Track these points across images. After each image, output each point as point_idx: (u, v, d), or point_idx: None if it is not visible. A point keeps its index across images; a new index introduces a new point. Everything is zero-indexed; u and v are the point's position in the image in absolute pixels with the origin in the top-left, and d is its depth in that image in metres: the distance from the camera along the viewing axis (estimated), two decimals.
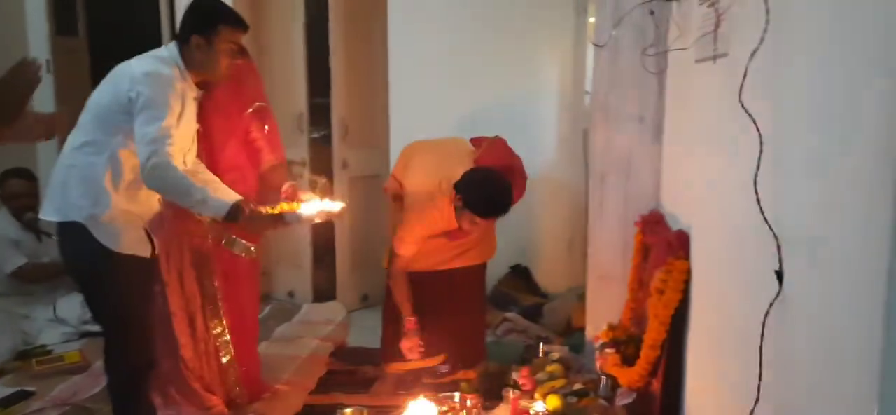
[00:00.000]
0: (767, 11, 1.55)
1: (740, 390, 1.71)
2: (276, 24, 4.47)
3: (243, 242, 2.83)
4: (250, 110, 2.90)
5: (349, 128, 4.41)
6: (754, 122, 1.59)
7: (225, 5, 2.60)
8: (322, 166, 4.48)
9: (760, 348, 1.58)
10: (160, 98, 2.33)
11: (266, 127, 2.98)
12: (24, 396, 3.17)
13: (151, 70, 2.37)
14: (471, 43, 4.19)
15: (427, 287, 3.16)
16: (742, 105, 1.62)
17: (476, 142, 3.22)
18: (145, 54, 2.51)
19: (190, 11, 2.55)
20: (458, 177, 2.93)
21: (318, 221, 2.64)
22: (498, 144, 3.16)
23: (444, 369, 3.26)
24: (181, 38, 2.50)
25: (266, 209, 2.49)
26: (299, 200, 2.62)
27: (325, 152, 4.46)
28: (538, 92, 4.30)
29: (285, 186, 2.78)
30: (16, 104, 1.66)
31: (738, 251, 1.86)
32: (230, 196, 2.44)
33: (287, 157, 4.34)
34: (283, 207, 2.54)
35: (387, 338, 3.27)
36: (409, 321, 3.13)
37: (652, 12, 2.62)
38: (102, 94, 2.43)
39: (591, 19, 3.71)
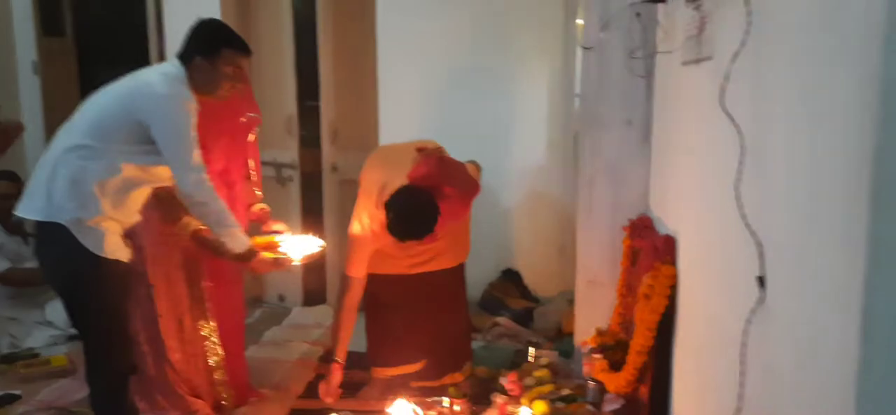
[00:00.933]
0: (749, 14, 1.53)
1: (724, 395, 1.69)
2: (265, 28, 4.45)
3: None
4: (238, 122, 2.91)
5: (338, 131, 4.39)
6: (736, 125, 1.58)
7: (229, 29, 2.64)
8: (312, 169, 4.47)
9: (742, 354, 1.56)
10: (188, 122, 2.41)
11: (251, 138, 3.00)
12: (9, 399, 3.17)
13: (174, 93, 2.41)
14: (460, 46, 4.18)
15: (404, 290, 3.13)
16: (724, 109, 1.61)
17: (419, 150, 3.02)
18: (160, 71, 2.53)
19: (194, 32, 2.57)
20: (393, 191, 2.83)
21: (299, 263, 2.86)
22: (426, 163, 2.89)
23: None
24: (184, 58, 2.51)
25: (267, 255, 2.73)
26: (270, 226, 2.96)
27: (315, 155, 4.44)
28: (528, 95, 4.28)
29: (256, 208, 3.00)
30: None
31: (721, 256, 1.85)
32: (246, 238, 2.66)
33: (278, 159, 4.39)
34: (274, 248, 2.82)
35: (372, 342, 3.24)
36: (336, 364, 3.07)
37: (638, 14, 2.60)
38: (112, 106, 2.42)
39: (580, 22, 3.69)
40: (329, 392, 3.08)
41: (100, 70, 4.17)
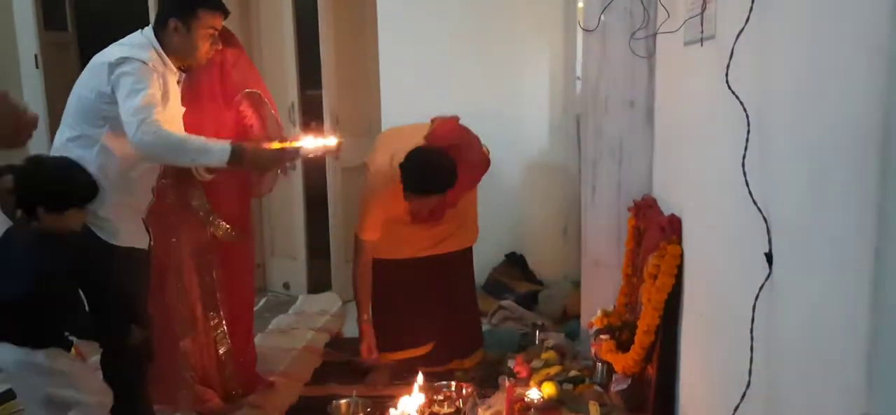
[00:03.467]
0: None
1: (732, 372, 1.71)
2: (266, 17, 4.45)
3: (225, 224, 2.87)
4: (240, 96, 2.86)
5: (340, 119, 4.39)
6: (741, 103, 1.58)
7: None
8: (314, 157, 4.46)
9: (751, 330, 1.57)
10: (139, 77, 2.31)
11: (267, 112, 2.93)
12: (12, 395, 3.15)
13: (127, 54, 2.34)
14: (461, 31, 4.17)
15: (413, 274, 3.16)
16: (729, 87, 1.61)
17: (434, 121, 3.15)
18: (119, 41, 2.47)
19: None
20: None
21: (314, 155, 2.66)
22: (448, 122, 3.07)
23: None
24: (159, 22, 2.47)
25: (267, 146, 2.51)
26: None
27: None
28: (529, 78, 4.28)
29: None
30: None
31: (728, 234, 1.86)
32: (226, 143, 2.39)
33: None
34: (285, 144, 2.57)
35: (379, 327, 3.25)
36: (365, 324, 3.12)
37: None
38: (83, 87, 2.41)
39: (580, 4, 3.68)
40: (371, 350, 3.14)
41: None
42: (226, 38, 2.68)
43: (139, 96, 2.27)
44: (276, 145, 2.53)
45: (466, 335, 3.33)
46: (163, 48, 2.44)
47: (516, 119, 4.33)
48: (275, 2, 4.35)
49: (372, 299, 3.20)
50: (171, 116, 2.42)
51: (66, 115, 2.43)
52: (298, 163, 4.40)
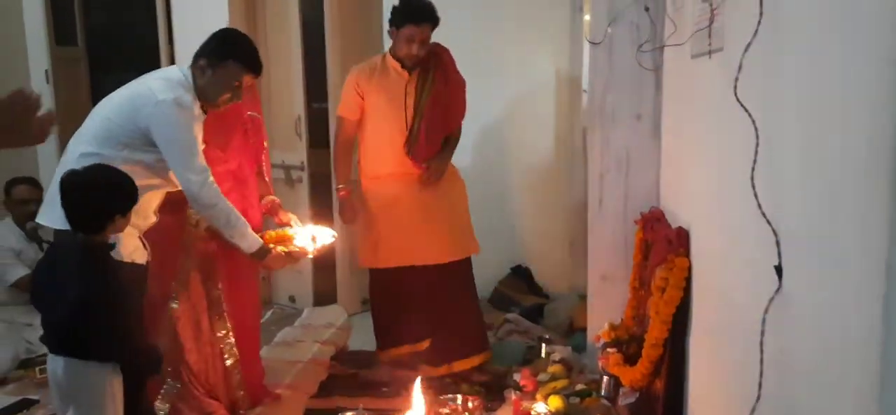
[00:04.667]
0: (761, 4, 1.54)
1: (742, 386, 1.70)
2: (273, 31, 4.47)
3: None
4: (246, 115, 2.91)
5: None
6: (750, 116, 1.58)
7: (246, 43, 2.63)
8: (321, 170, 4.48)
9: (761, 343, 1.57)
10: (188, 126, 2.43)
11: (257, 135, 3.01)
12: (26, 404, 3.19)
13: (175, 97, 2.41)
14: (467, 43, 4.16)
15: (411, 280, 3.25)
16: (737, 99, 1.61)
17: None
18: (161, 75, 2.53)
19: (211, 35, 2.58)
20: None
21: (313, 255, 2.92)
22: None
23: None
24: (194, 59, 2.54)
25: (281, 250, 2.77)
26: (281, 218, 2.95)
27: (323, 156, 4.45)
28: (535, 91, 4.29)
29: (265, 201, 2.94)
30: (21, 123, 1.68)
31: (737, 247, 1.85)
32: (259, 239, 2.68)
33: (286, 161, 4.40)
34: (287, 239, 2.84)
35: (378, 328, 3.38)
36: (342, 190, 3.32)
37: (647, 8, 2.61)
38: (116, 113, 2.44)
39: (587, 17, 3.70)
40: (350, 214, 3.34)
41: (110, 78, 4.20)
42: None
43: (195, 152, 2.44)
44: (282, 250, 2.79)
45: (467, 337, 3.35)
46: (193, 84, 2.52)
47: (522, 131, 4.34)
48: (282, 16, 4.38)
49: (372, 304, 3.42)
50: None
51: (85, 132, 2.46)
52: (305, 176, 4.45)
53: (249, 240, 2.62)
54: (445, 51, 3.29)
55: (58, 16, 5.00)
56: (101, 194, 2.08)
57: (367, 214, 3.34)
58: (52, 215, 2.40)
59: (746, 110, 1.59)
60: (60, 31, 5.03)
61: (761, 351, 1.58)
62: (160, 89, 2.42)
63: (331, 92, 4.30)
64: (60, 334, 2.10)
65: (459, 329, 3.32)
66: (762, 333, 1.56)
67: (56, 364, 2.12)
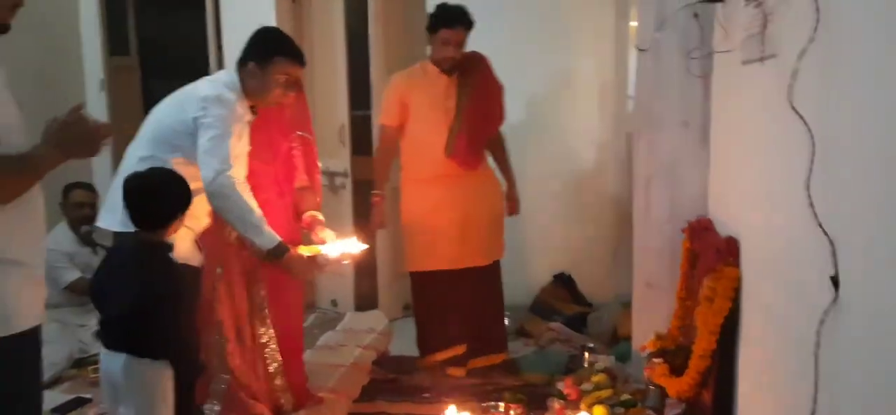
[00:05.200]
0: (817, 9, 1.51)
1: (795, 399, 1.66)
2: (318, 39, 4.53)
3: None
4: (293, 135, 2.96)
5: None
6: (805, 123, 1.55)
7: (286, 38, 2.70)
8: (364, 177, 4.52)
9: (816, 356, 1.53)
10: (224, 121, 2.45)
11: (308, 155, 3.05)
12: (80, 403, 3.27)
13: (217, 94, 2.47)
14: (511, 49, 4.18)
15: (446, 285, 3.39)
16: (792, 106, 1.58)
17: None
18: (209, 78, 2.60)
19: (252, 38, 2.64)
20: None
21: (344, 262, 2.89)
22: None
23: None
24: (240, 62, 2.59)
25: (302, 250, 2.71)
26: (318, 233, 2.88)
27: (367, 163, 4.48)
28: (580, 97, 4.27)
29: (306, 215, 2.92)
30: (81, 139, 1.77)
31: (790, 257, 1.81)
32: (276, 237, 2.58)
33: (330, 168, 4.45)
34: (314, 249, 2.77)
35: (420, 331, 3.56)
36: (377, 196, 3.45)
37: (696, 15, 2.58)
38: (166, 115, 2.51)
39: (633, 23, 3.67)
40: (379, 220, 3.49)
41: (162, 85, 4.30)
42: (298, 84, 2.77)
43: (223, 143, 2.43)
44: (304, 250, 2.74)
45: (490, 337, 3.52)
46: (242, 88, 2.56)
47: (566, 137, 4.31)
48: (327, 24, 4.44)
49: (415, 309, 3.59)
50: (239, 156, 2.54)
51: (141, 136, 2.53)
52: (348, 183, 4.50)
53: (266, 236, 2.55)
54: (483, 58, 3.39)
55: (112, 27, 5.18)
56: (163, 194, 2.16)
57: (410, 218, 3.41)
58: (112, 219, 2.47)
59: (801, 117, 1.56)
60: (115, 42, 5.22)
61: (816, 365, 1.54)
62: (205, 88, 2.51)
63: (374, 100, 4.35)
64: (121, 331, 2.16)
65: (485, 329, 3.49)
66: (817, 345, 1.53)
67: (111, 362, 2.18)
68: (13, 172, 1.68)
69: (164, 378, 2.19)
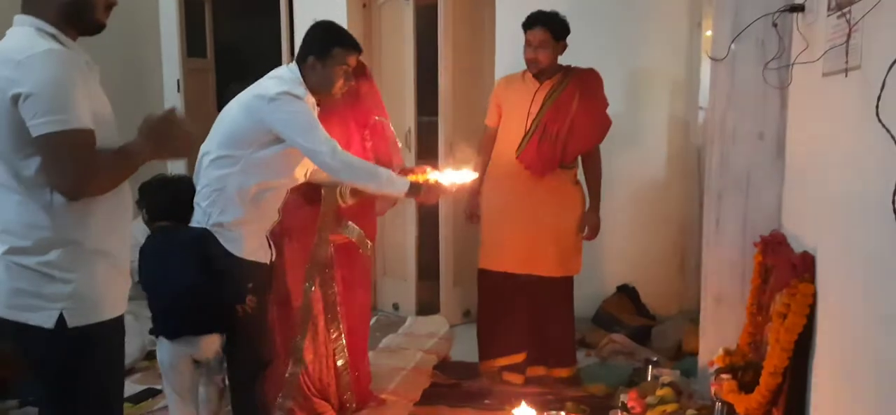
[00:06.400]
0: None
1: None
2: (388, 45, 4.60)
3: (358, 229, 3.03)
4: (371, 122, 3.01)
5: (454, 145, 4.46)
6: (893, 137, 1.50)
7: (340, 28, 2.75)
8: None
9: None
10: (305, 112, 2.54)
11: (381, 140, 3.09)
12: (152, 393, 3.39)
13: (287, 90, 2.54)
14: (581, 57, 4.16)
15: (512, 286, 3.41)
16: (880, 119, 1.53)
17: None
18: (273, 76, 2.67)
19: (308, 34, 2.70)
20: None
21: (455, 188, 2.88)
22: None
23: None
24: (299, 59, 2.65)
25: (432, 180, 2.79)
26: (417, 172, 2.89)
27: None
28: (649, 107, 4.21)
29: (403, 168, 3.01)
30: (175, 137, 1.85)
31: (872, 275, 1.75)
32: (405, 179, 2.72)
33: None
34: (426, 177, 2.82)
35: (481, 335, 3.56)
36: (476, 182, 3.34)
37: (775, 24, 2.52)
38: (237, 115, 2.59)
39: (708, 33, 3.60)
40: (472, 215, 3.55)
41: (235, 87, 4.42)
42: (359, 70, 2.82)
43: (315, 129, 2.53)
44: (420, 178, 2.79)
45: (558, 350, 3.52)
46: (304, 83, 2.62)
47: (634, 146, 4.26)
48: (397, 30, 4.51)
49: (478, 310, 3.62)
50: None
51: (213, 135, 2.61)
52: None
53: (398, 184, 2.69)
54: (592, 75, 3.41)
55: (190, 30, 5.38)
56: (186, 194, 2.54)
57: (484, 214, 3.48)
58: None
59: (889, 131, 1.51)
60: (192, 44, 5.41)
61: None
62: (273, 87, 2.56)
63: (441, 106, 4.38)
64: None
65: (551, 342, 3.46)
66: None
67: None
68: (113, 165, 1.76)
69: (168, 353, 2.54)
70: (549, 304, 3.43)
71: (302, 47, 2.68)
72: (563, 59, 3.40)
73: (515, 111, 3.35)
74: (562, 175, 3.38)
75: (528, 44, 3.27)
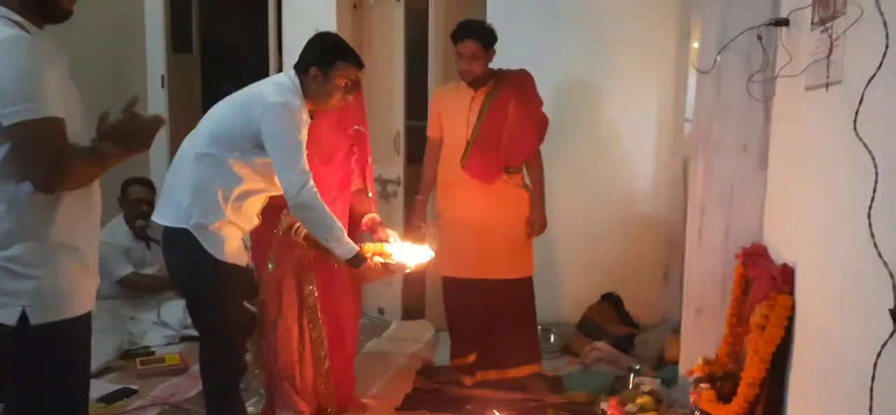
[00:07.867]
0: (887, 36, 1.47)
1: None
2: (378, 47, 4.59)
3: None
4: (351, 130, 3.00)
5: None
6: (870, 152, 1.51)
7: (344, 43, 2.74)
8: (417, 184, 4.55)
9: (871, 390, 1.49)
10: (295, 132, 2.50)
11: (363, 150, 3.09)
12: (127, 393, 3.34)
13: (284, 101, 2.51)
14: (569, 67, 4.18)
15: (468, 293, 3.46)
16: (857, 134, 1.55)
17: None
18: (273, 82, 2.65)
19: (312, 43, 2.69)
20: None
21: (405, 271, 2.91)
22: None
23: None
24: (300, 68, 2.63)
25: (378, 260, 2.77)
26: (380, 236, 2.95)
27: (419, 172, 4.52)
28: (636, 117, 4.23)
29: (366, 219, 3.01)
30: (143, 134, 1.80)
31: (848, 287, 1.76)
32: (355, 247, 2.70)
33: (383, 176, 4.50)
34: (379, 247, 2.85)
35: (450, 335, 3.65)
36: (419, 199, 3.59)
37: (759, 37, 2.53)
38: (229, 116, 2.56)
39: (695, 44, 3.62)
40: (420, 218, 3.56)
41: (221, 84, 4.39)
42: (357, 83, 2.82)
43: (298, 156, 2.50)
44: (368, 248, 2.81)
45: (520, 348, 3.54)
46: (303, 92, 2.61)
47: (620, 157, 4.28)
48: (387, 33, 4.50)
49: (445, 313, 3.66)
50: None
51: (200, 133, 2.57)
52: (400, 191, 4.54)
53: (345, 247, 2.65)
54: (525, 77, 3.45)
55: (176, 25, 5.27)
56: None
57: (439, 222, 3.55)
58: (164, 214, 2.55)
59: (866, 146, 1.53)
60: (177, 40, 5.30)
61: (871, 399, 1.50)
62: (271, 92, 2.53)
63: (431, 111, 4.38)
64: None
65: (512, 341, 3.51)
66: (873, 378, 1.48)
67: None
68: (86, 163, 1.73)
69: None
70: (507, 305, 3.49)
71: (304, 56, 2.65)
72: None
73: (456, 121, 3.41)
74: (509, 180, 3.43)
75: (460, 55, 3.33)
